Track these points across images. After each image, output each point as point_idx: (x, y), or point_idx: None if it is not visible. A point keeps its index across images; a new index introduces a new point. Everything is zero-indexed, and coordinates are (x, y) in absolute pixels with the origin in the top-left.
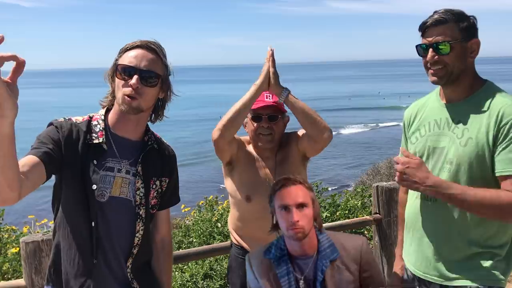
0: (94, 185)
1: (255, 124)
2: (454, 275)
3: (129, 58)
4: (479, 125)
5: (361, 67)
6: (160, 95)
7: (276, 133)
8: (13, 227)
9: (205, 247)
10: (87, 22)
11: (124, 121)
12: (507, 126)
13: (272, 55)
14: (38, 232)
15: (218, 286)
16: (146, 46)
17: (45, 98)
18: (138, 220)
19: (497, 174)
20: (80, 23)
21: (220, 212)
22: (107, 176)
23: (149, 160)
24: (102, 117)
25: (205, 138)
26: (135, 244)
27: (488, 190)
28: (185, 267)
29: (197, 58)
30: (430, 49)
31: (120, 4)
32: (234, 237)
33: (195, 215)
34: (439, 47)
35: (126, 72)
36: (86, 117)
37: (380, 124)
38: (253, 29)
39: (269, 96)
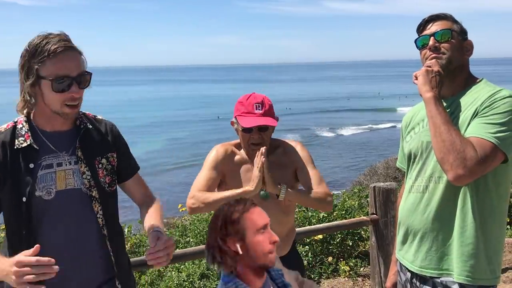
0: (36, 190)
1: (246, 135)
2: (449, 269)
3: (60, 67)
4: (465, 113)
5: (358, 68)
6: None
7: (266, 141)
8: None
9: (202, 246)
10: (86, 20)
11: (54, 119)
12: (489, 101)
13: (263, 158)
14: None
15: (214, 286)
16: (66, 47)
17: None
18: (94, 202)
19: (466, 135)
20: (79, 21)
21: None
22: (47, 174)
23: (87, 142)
24: (25, 119)
25: (202, 139)
26: (101, 226)
27: (456, 135)
28: (182, 266)
29: (194, 58)
30: (432, 37)
31: (119, 3)
32: None
33: (192, 214)
34: (441, 34)
35: (62, 83)
36: (10, 123)
37: (378, 126)
38: (250, 29)
39: (259, 106)
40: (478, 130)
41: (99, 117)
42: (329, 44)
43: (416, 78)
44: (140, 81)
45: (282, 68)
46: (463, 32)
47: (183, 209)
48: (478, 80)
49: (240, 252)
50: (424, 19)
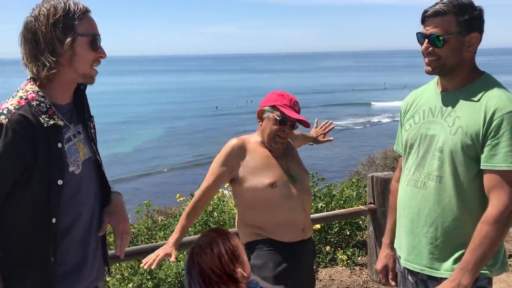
0: (68, 166)
1: (278, 126)
2: (441, 266)
3: (93, 26)
4: (471, 116)
5: (359, 57)
6: None
7: (287, 138)
8: None
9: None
10: None
11: (68, 89)
12: (499, 121)
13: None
14: None
15: None
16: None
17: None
18: (101, 166)
19: (482, 167)
20: None
21: (215, 201)
22: (71, 146)
23: (82, 110)
24: (41, 93)
25: (200, 129)
26: (107, 189)
27: (474, 238)
28: (180, 255)
29: (190, 47)
30: (426, 40)
31: None
32: (259, 233)
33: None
34: (433, 40)
35: (97, 41)
36: (22, 101)
37: (378, 117)
38: (248, 18)
39: (297, 104)
40: (493, 160)
41: None
42: (328, 34)
43: None
44: (132, 71)
45: (280, 58)
46: (468, 24)
47: (181, 198)
48: (480, 75)
49: (246, 275)
50: (427, 11)
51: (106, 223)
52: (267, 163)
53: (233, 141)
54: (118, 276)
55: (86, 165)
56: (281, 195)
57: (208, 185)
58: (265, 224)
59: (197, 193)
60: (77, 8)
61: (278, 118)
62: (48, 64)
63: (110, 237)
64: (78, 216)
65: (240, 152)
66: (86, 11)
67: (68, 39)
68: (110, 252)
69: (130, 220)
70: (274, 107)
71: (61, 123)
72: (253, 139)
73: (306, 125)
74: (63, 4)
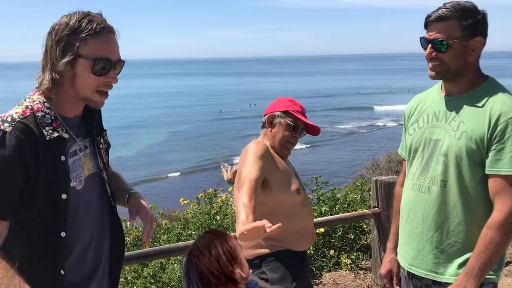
0: (70, 181)
1: (290, 133)
2: (446, 271)
3: (103, 49)
4: (475, 120)
5: (365, 61)
6: None
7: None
8: None
9: None
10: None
11: (75, 104)
12: (503, 126)
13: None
14: None
15: None
16: (110, 28)
17: None
18: (107, 184)
19: (486, 172)
20: None
21: (219, 205)
22: (75, 161)
23: (90, 124)
24: (47, 105)
25: (201, 133)
26: (114, 206)
27: (479, 243)
28: (181, 259)
29: (196, 51)
30: (429, 45)
31: None
32: (274, 245)
33: (194, 207)
34: (437, 44)
35: (103, 66)
36: (28, 111)
37: (382, 121)
38: (254, 22)
39: (305, 111)
40: (498, 165)
41: None
42: (335, 37)
43: None
44: (137, 75)
45: (286, 61)
46: (472, 29)
47: (185, 202)
48: (484, 79)
49: (244, 275)
50: (429, 16)
51: (134, 213)
52: (288, 169)
53: (261, 143)
54: (121, 279)
55: (89, 181)
56: (302, 201)
57: (256, 176)
58: (284, 232)
59: (247, 185)
60: (88, 28)
61: (291, 124)
62: (53, 81)
63: None
64: (78, 232)
65: (270, 154)
66: (99, 32)
67: (65, 59)
68: None
69: (134, 224)
70: (286, 113)
71: (65, 135)
72: (266, 143)
73: (317, 131)
74: (74, 20)
